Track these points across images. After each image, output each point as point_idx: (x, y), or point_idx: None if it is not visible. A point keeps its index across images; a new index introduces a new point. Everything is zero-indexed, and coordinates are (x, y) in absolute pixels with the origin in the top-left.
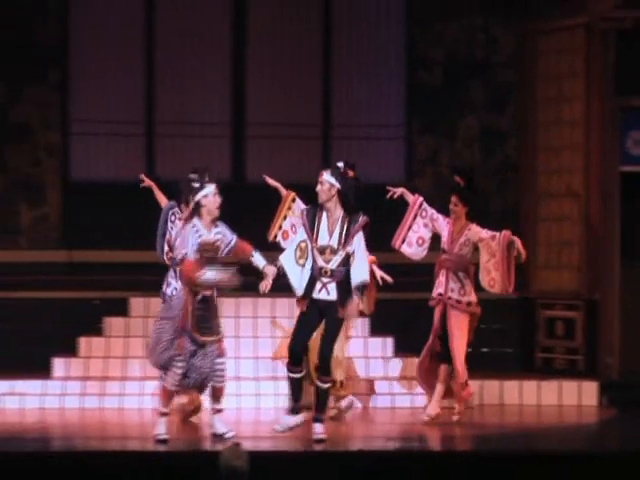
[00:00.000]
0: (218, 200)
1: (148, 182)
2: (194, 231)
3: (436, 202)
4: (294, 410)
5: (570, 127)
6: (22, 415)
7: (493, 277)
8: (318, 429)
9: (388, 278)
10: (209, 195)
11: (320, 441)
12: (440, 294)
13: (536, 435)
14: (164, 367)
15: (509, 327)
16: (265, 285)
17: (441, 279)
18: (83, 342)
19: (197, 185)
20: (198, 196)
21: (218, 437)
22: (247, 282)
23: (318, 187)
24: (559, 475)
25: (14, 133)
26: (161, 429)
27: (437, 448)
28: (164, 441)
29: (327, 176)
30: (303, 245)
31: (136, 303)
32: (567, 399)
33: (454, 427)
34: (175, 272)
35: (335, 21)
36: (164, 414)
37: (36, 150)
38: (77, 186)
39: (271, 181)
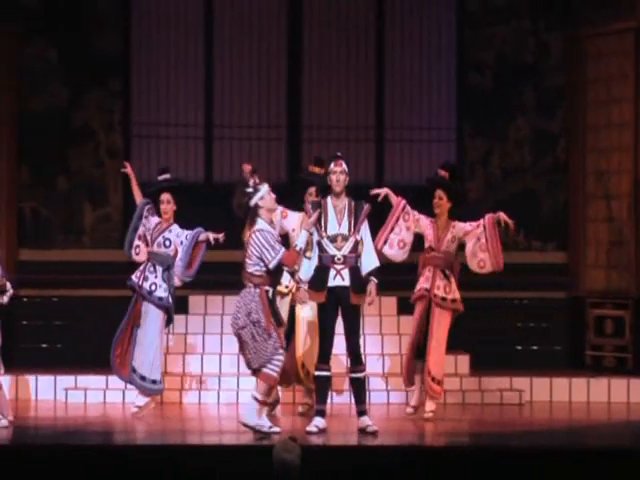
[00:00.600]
0: (273, 196)
1: (129, 171)
2: (266, 232)
3: (486, 204)
4: (323, 413)
5: (619, 129)
6: (85, 409)
7: (482, 258)
8: (367, 421)
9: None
10: (265, 196)
11: (374, 432)
12: (426, 289)
13: (585, 431)
14: (264, 365)
15: (559, 325)
16: (300, 297)
17: (427, 275)
18: None
19: (251, 190)
20: (255, 199)
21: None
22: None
23: (338, 177)
24: (607, 471)
25: (77, 136)
26: (267, 421)
27: (487, 444)
28: (277, 433)
29: (344, 166)
30: (309, 238)
31: (195, 301)
32: (616, 396)
33: (503, 424)
34: (154, 267)
35: (387, 25)
36: (268, 404)
37: (98, 152)
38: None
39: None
